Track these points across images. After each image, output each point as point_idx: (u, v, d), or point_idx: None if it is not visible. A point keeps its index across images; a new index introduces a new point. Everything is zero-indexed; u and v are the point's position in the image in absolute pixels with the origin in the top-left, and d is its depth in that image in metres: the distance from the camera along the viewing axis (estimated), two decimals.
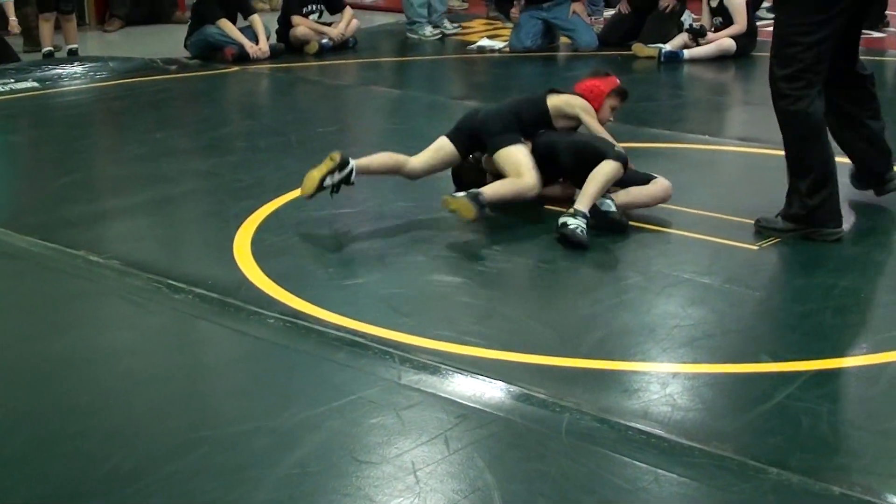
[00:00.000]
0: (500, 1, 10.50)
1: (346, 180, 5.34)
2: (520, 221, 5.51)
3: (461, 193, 5.22)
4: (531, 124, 5.66)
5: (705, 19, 9.60)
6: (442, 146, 5.63)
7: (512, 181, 5.43)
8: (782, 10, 5.14)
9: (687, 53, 9.38)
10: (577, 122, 5.72)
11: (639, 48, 9.52)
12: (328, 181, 5.30)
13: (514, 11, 10.20)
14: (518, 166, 5.45)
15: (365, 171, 5.43)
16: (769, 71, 5.14)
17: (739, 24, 9.42)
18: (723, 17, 9.49)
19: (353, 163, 5.35)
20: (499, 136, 5.53)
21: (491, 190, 5.31)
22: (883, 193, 5.60)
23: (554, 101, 5.74)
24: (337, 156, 5.34)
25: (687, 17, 9.96)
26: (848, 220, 5.37)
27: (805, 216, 5.08)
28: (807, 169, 5.09)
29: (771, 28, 9.98)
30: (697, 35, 9.48)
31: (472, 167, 5.71)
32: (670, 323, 4.22)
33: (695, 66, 9.24)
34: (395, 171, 5.57)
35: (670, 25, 9.85)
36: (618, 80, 5.94)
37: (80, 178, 6.35)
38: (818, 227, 5.08)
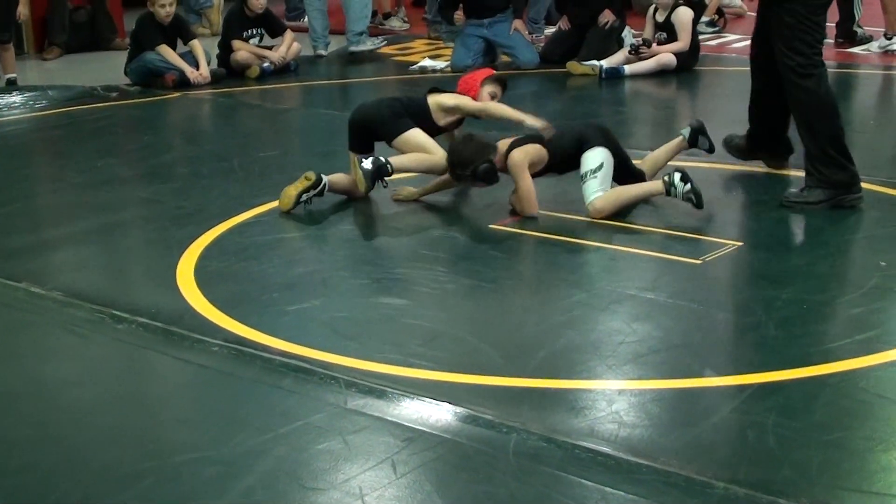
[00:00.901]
0: (443, 7, 10.45)
1: (320, 194, 5.83)
2: (463, 240, 5.52)
3: (367, 163, 5.63)
4: (413, 115, 5.96)
5: (648, 33, 9.65)
6: (351, 160, 5.92)
7: (422, 155, 5.77)
8: (794, 2, 5.67)
9: (628, 69, 9.43)
10: (460, 113, 6.08)
11: (573, 66, 9.56)
12: (304, 197, 5.78)
13: (459, 15, 10.13)
14: (424, 146, 5.80)
15: (333, 188, 5.92)
16: (783, 63, 5.73)
17: (683, 41, 9.48)
18: (667, 32, 9.54)
19: (325, 179, 5.85)
20: (391, 122, 5.89)
21: (398, 161, 5.71)
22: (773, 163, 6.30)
23: (434, 98, 6.08)
24: (312, 175, 5.80)
25: (627, 34, 10.02)
26: (788, 234, 5.43)
27: (830, 185, 5.66)
28: (828, 141, 5.69)
29: (712, 42, 10.06)
30: (640, 48, 9.52)
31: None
32: (616, 339, 4.24)
33: (636, 82, 9.29)
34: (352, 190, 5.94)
35: (610, 42, 9.90)
36: (493, 71, 6.35)
37: (20, 208, 6.28)
38: (844, 195, 5.65)
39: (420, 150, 5.79)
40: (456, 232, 5.66)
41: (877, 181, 6.04)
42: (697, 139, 6.16)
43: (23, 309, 4.73)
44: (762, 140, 6.35)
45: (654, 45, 9.52)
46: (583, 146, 5.74)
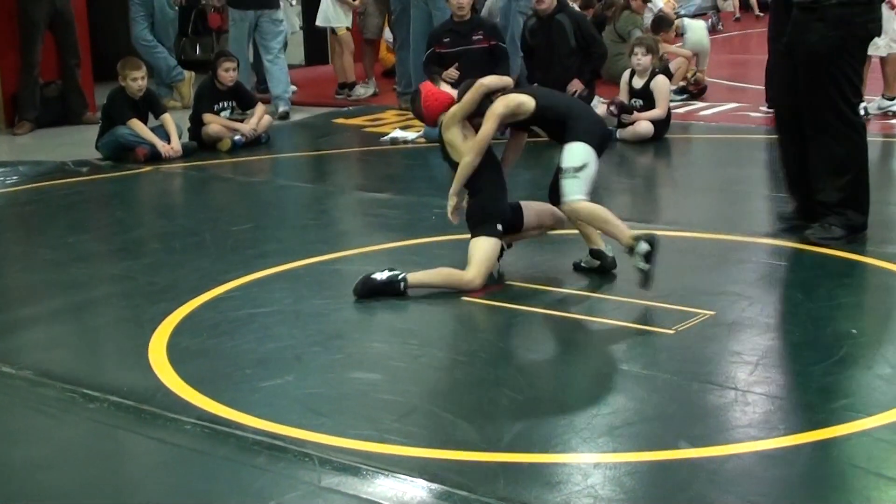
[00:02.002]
0: (427, 63, 10.44)
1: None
2: (437, 312, 5.52)
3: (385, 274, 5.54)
4: None
5: (623, 99, 9.72)
6: None
7: (452, 274, 5.57)
8: (843, 52, 6.18)
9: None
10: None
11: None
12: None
13: (450, 72, 10.12)
14: (478, 261, 5.61)
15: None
16: (828, 115, 6.18)
17: (661, 109, 9.55)
18: (644, 99, 9.62)
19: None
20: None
21: (416, 278, 5.54)
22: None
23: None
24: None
25: (596, 103, 10.10)
26: (760, 302, 5.45)
27: (850, 226, 6.21)
28: (860, 187, 6.28)
29: (682, 110, 10.18)
30: (624, 111, 9.56)
31: None
32: (590, 412, 4.23)
33: (612, 150, 9.31)
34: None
35: None
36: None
37: None
38: (856, 234, 6.23)
39: (474, 259, 5.66)
40: (428, 304, 5.65)
41: (850, 249, 6.09)
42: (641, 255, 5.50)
43: None
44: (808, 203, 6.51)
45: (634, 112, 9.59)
46: (567, 125, 5.69)
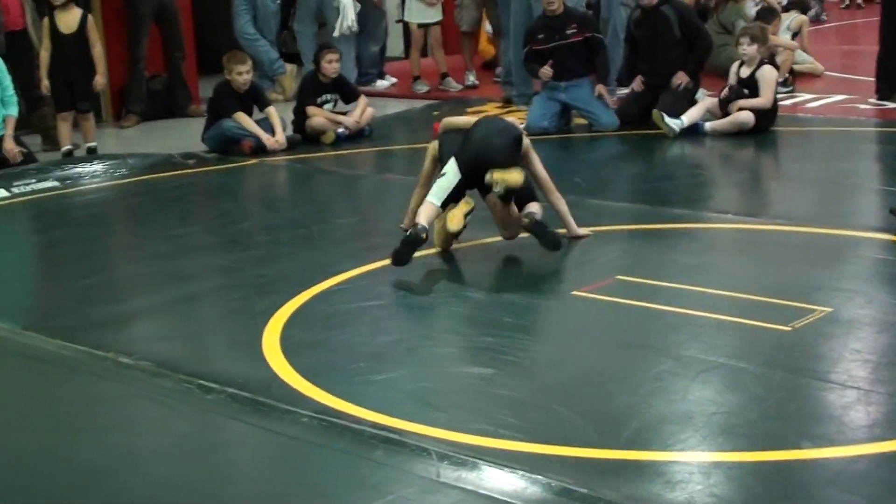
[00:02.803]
0: (527, 60, 10.39)
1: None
2: (547, 307, 5.50)
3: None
4: None
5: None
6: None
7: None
8: None
9: (708, 126, 9.38)
10: None
11: (657, 117, 9.44)
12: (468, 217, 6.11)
13: (546, 70, 10.04)
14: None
15: None
16: None
17: (766, 98, 9.38)
18: (749, 88, 9.47)
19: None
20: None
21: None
22: None
23: None
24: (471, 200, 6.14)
25: (701, 94, 9.98)
26: (879, 298, 5.33)
27: None
28: None
29: (786, 102, 10.00)
30: (738, 97, 9.44)
31: None
32: (708, 410, 4.18)
33: (713, 143, 9.21)
34: None
35: (683, 103, 9.86)
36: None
37: (104, 278, 6.35)
38: None
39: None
40: (539, 299, 5.64)
41: None
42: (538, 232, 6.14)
43: (112, 379, 4.76)
44: None
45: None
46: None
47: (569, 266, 6.06)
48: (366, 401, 4.32)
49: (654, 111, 9.50)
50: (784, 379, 4.42)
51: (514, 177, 6.02)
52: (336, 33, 12.05)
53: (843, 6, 20.86)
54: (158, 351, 5.03)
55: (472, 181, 6.17)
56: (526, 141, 6.34)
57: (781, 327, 4.93)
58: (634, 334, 5.05)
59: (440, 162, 6.31)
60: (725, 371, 4.53)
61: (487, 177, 6.01)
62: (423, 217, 6.02)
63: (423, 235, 5.90)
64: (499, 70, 13.13)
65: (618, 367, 4.70)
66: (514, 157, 6.18)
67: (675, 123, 9.37)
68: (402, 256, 5.84)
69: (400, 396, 4.40)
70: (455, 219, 6.07)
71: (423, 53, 13.36)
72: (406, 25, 15.02)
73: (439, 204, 6.11)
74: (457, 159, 6.19)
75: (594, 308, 5.40)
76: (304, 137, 9.97)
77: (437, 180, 6.18)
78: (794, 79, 11.81)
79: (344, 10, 12.17)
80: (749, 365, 4.56)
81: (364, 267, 6.06)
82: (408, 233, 5.93)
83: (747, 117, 9.33)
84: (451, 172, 6.16)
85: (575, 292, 5.54)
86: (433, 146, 6.51)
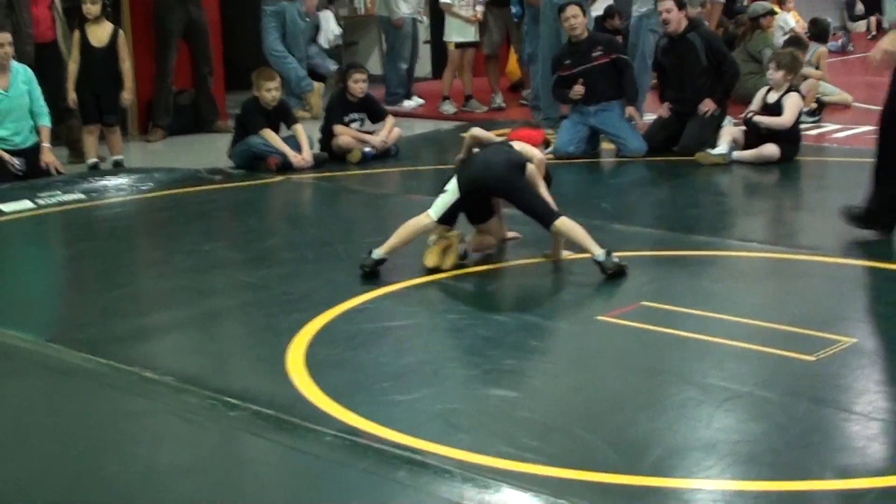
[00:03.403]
0: (556, 86, 10.42)
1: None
2: (572, 331, 5.50)
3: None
4: None
5: (755, 109, 9.61)
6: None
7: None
8: None
9: (735, 154, 9.38)
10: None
11: (703, 157, 9.43)
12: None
13: (578, 88, 10.05)
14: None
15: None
16: None
17: (786, 118, 9.33)
18: (775, 115, 9.46)
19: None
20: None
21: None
22: None
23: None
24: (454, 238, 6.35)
25: (728, 122, 9.99)
26: None
27: None
28: None
29: (812, 133, 9.96)
30: (749, 126, 9.48)
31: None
32: (731, 438, 4.17)
33: (738, 171, 9.20)
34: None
35: (710, 130, 9.86)
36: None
37: (129, 292, 6.38)
38: None
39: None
40: (563, 322, 5.64)
41: None
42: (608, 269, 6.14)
43: (136, 394, 4.77)
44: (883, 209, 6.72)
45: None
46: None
47: (594, 291, 6.06)
48: (390, 421, 4.32)
49: (698, 154, 9.47)
50: (808, 409, 4.42)
51: (428, 260, 6.30)
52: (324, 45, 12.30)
53: (869, 37, 20.81)
54: (183, 366, 5.05)
55: (469, 201, 6.30)
56: (531, 168, 6.37)
57: (806, 357, 4.92)
58: (659, 360, 5.04)
59: None
60: (749, 400, 4.52)
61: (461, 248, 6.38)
62: (410, 231, 6.30)
63: (367, 270, 6.20)
64: (525, 92, 13.19)
65: (642, 394, 4.70)
66: (512, 182, 6.28)
67: (720, 151, 9.37)
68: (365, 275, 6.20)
69: (424, 417, 4.41)
70: (429, 257, 6.24)
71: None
72: (434, 46, 15.13)
73: (436, 218, 6.28)
74: (458, 177, 6.29)
75: (619, 333, 5.40)
76: (331, 156, 10.00)
77: (440, 195, 6.32)
78: (821, 109, 11.81)
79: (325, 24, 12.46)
80: (773, 394, 4.56)
81: (388, 287, 6.07)
82: (363, 257, 6.26)
83: (772, 150, 9.32)
84: (451, 190, 6.29)
85: (600, 317, 5.55)
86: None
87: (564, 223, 6.21)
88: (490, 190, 6.36)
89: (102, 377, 4.96)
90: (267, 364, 5.10)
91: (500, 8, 13.02)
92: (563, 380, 4.87)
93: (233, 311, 6.01)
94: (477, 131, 6.72)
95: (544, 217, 6.27)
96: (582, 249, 6.21)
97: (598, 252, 6.10)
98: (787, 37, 12.91)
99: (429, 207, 6.34)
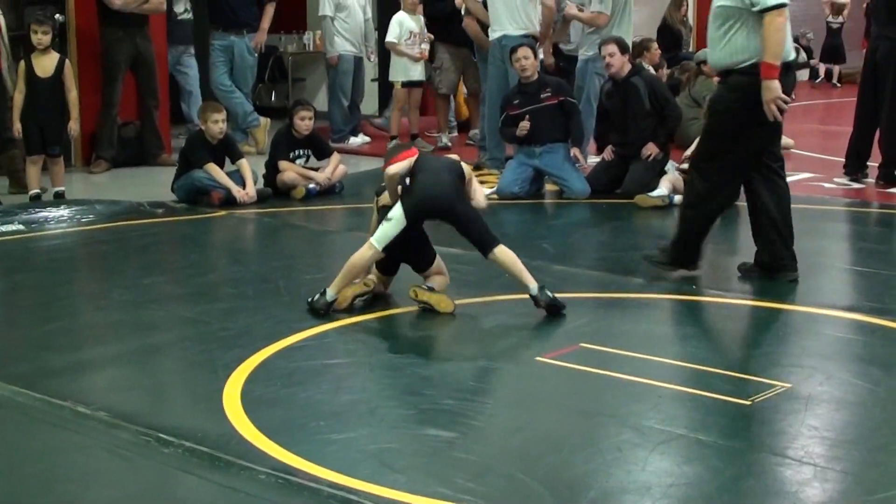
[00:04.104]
0: (504, 125, 10.47)
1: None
2: (511, 372, 5.50)
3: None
4: None
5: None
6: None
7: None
8: None
9: (676, 198, 9.47)
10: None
11: (642, 199, 9.52)
12: (359, 302, 6.32)
13: (524, 124, 10.10)
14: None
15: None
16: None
17: None
18: None
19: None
20: None
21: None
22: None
23: None
24: (371, 283, 6.36)
25: (670, 166, 10.07)
26: (839, 376, 5.36)
27: None
28: None
29: None
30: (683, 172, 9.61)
31: None
32: (666, 481, 4.18)
33: (678, 214, 9.24)
34: None
35: (653, 173, 9.95)
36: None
37: (64, 325, 6.30)
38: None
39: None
40: (503, 363, 5.64)
41: None
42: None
43: (68, 429, 4.71)
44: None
45: None
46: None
47: (534, 332, 6.07)
48: (325, 460, 4.30)
49: (637, 196, 9.56)
50: (742, 453, 4.44)
51: (444, 305, 6.23)
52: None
53: (812, 85, 21.08)
54: (117, 402, 4.99)
55: (416, 227, 6.29)
56: (467, 169, 6.42)
57: (741, 401, 4.95)
58: (596, 402, 5.06)
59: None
60: (685, 443, 4.53)
61: (411, 294, 6.28)
62: (356, 266, 6.22)
63: (322, 312, 6.16)
64: (472, 132, 13.25)
65: (579, 435, 4.70)
66: (460, 196, 6.27)
67: (660, 193, 9.46)
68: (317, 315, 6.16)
69: (359, 457, 4.38)
70: (343, 300, 6.25)
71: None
72: (381, 84, 15.14)
73: (380, 248, 6.21)
74: (402, 205, 6.22)
75: (558, 374, 5.41)
76: (275, 191, 9.98)
77: (383, 224, 6.23)
78: None
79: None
80: (708, 437, 4.58)
81: (329, 324, 6.05)
82: (315, 299, 6.22)
83: None
84: (396, 218, 6.20)
85: (539, 358, 5.55)
86: (382, 198, 6.61)
87: (503, 252, 6.21)
88: (438, 213, 6.31)
89: (34, 412, 4.90)
90: (203, 400, 5.06)
91: (456, 48, 13.07)
92: (501, 420, 4.87)
93: (170, 346, 5.96)
94: (394, 170, 6.46)
95: (484, 243, 6.25)
96: (519, 282, 6.23)
97: (533, 286, 6.12)
98: None
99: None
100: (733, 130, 6.77)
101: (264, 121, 12.91)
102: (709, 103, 7.42)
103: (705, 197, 7.02)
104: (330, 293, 6.17)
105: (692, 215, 7.13)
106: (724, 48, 6.74)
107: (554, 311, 6.12)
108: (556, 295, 6.16)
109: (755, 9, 6.55)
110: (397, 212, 6.21)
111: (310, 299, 6.23)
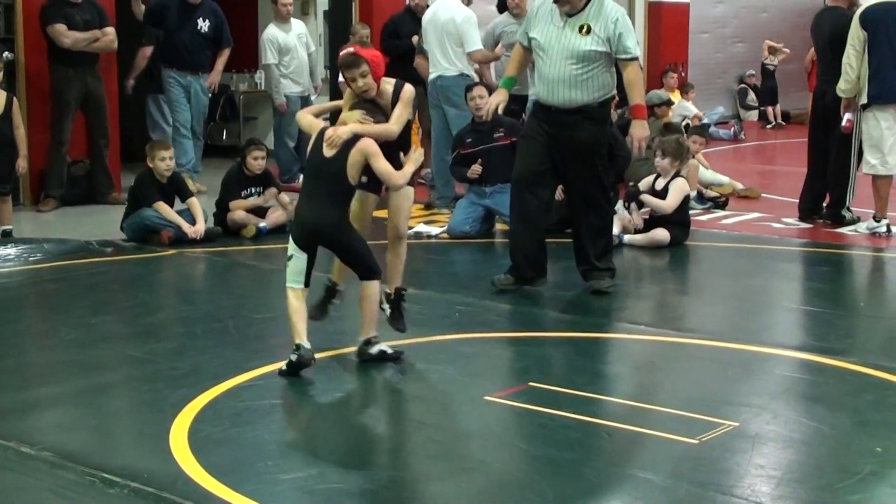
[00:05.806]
0: (455, 163, 10.52)
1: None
2: (459, 411, 5.51)
3: None
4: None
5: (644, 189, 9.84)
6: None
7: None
8: None
9: (626, 238, 9.54)
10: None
11: None
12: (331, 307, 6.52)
13: (475, 167, 10.14)
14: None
15: None
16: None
17: (668, 203, 9.57)
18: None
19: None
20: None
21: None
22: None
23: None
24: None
25: (619, 206, 10.13)
26: (784, 415, 5.40)
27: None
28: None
29: (704, 218, 10.18)
30: (631, 199, 9.71)
31: None
32: None
33: (629, 254, 9.33)
34: None
35: None
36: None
37: (10, 365, 6.25)
38: None
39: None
40: (452, 402, 5.65)
41: (871, 365, 6.06)
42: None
43: (12, 469, 4.67)
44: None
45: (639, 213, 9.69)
46: None
47: (483, 370, 6.08)
48: (273, 500, 4.29)
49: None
50: (689, 492, 4.46)
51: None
52: None
53: (763, 126, 21.21)
54: (62, 441, 4.96)
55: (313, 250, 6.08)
56: (364, 145, 6.20)
57: (688, 440, 4.98)
58: (543, 442, 5.07)
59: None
60: (632, 482, 4.55)
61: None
62: (296, 313, 5.93)
63: (313, 362, 5.83)
64: (425, 172, 13.27)
65: (525, 475, 4.71)
66: (336, 230, 6.09)
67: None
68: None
69: (307, 497, 4.37)
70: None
71: None
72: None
73: (298, 287, 5.98)
74: (293, 239, 6.07)
75: (506, 414, 5.42)
76: (225, 231, 9.94)
77: (288, 265, 6.02)
78: (726, 202, 11.96)
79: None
80: (655, 476, 4.60)
81: (278, 363, 6.00)
82: (295, 358, 5.81)
83: (663, 235, 9.51)
84: (296, 255, 6.01)
85: (488, 397, 5.56)
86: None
87: (373, 288, 6.12)
88: (319, 237, 6.09)
89: None
90: (150, 440, 5.03)
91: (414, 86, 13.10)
92: (449, 459, 4.86)
93: (118, 385, 5.92)
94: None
95: (364, 271, 6.14)
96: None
97: (372, 334, 6.09)
98: (683, 123, 13.17)
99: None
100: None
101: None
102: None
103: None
104: (299, 342, 5.82)
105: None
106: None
107: (376, 361, 6.05)
108: (390, 349, 6.12)
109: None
110: (292, 247, 6.03)
111: (284, 366, 5.86)
